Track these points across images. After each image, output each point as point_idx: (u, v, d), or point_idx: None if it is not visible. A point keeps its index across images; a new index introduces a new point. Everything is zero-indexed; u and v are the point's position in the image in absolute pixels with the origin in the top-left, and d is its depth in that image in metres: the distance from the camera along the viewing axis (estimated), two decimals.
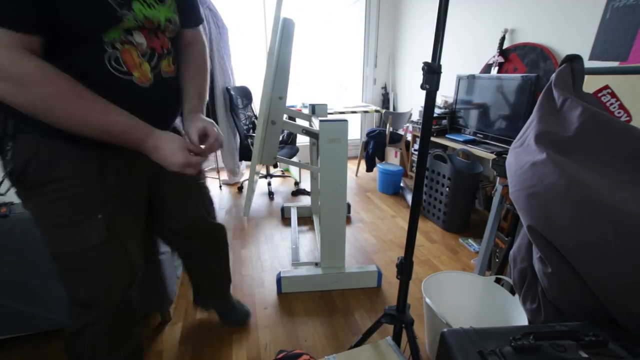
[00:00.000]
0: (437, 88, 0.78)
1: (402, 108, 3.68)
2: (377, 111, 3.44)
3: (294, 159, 2.84)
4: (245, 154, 2.79)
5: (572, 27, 1.81)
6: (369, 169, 3.24)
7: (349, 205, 2.58)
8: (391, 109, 3.78)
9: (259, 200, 2.86)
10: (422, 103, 1.20)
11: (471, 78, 2.38)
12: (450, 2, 0.72)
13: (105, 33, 0.66)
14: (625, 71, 1.27)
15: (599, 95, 1.31)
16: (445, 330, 0.75)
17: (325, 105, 2.04)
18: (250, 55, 3.51)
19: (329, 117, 2.03)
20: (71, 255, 0.78)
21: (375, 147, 3.14)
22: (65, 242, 0.76)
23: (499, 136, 2.16)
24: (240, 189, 3.12)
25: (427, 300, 1.12)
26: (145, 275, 0.92)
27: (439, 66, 0.76)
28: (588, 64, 1.69)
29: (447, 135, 2.50)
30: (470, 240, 2.10)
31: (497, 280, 1.35)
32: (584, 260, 0.74)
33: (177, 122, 0.98)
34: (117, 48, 0.69)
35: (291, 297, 1.61)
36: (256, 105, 3.27)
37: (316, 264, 1.74)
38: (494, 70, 2.29)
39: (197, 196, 1.09)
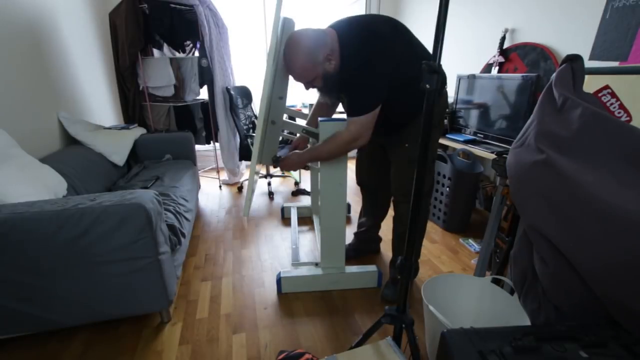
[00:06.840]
0: (437, 88, 0.77)
1: None
2: None
3: None
4: (245, 154, 2.79)
5: (572, 27, 1.81)
6: None
7: (349, 205, 2.58)
8: None
9: (259, 200, 2.86)
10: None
11: (471, 78, 2.37)
12: (450, 1, 0.72)
13: None
14: (625, 71, 1.27)
15: (599, 95, 1.31)
16: (445, 330, 0.75)
17: None
18: (250, 55, 3.51)
19: None
20: None
21: None
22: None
23: (499, 136, 2.16)
24: (240, 189, 3.12)
25: (427, 301, 1.12)
26: None
27: (439, 66, 0.76)
28: (588, 64, 1.69)
29: (447, 135, 2.49)
30: (470, 240, 2.10)
31: (498, 281, 1.35)
32: (584, 260, 0.74)
33: None
34: None
35: (291, 297, 1.61)
36: (256, 105, 3.27)
37: (316, 264, 1.74)
38: (494, 70, 2.29)
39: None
